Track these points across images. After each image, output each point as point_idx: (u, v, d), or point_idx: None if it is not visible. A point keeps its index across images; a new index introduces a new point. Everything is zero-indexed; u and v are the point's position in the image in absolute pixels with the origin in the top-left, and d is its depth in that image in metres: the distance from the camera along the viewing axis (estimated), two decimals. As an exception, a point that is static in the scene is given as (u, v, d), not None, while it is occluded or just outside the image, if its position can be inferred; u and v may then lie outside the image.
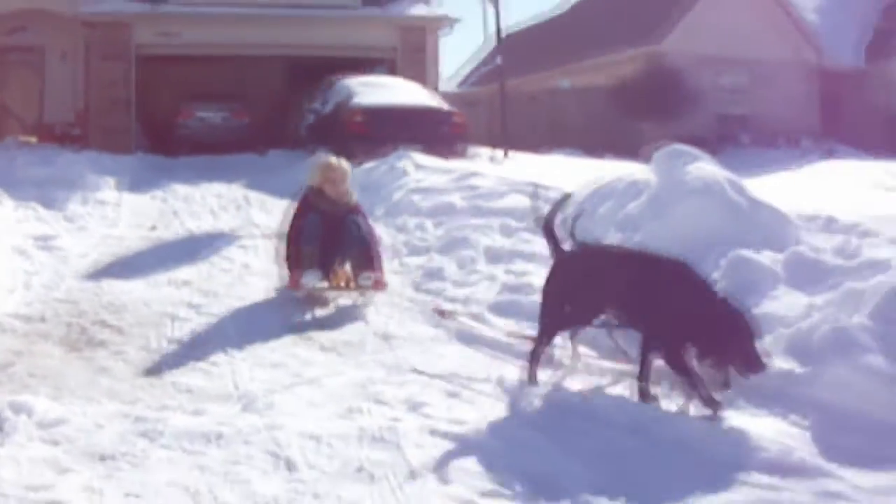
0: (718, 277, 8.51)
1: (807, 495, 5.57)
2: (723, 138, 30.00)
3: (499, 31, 25.27)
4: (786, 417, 6.60)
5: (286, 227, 10.32)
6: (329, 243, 9.95)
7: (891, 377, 6.75)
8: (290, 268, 10.00)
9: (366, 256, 10.01)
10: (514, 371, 7.64)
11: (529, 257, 10.46)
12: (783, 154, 28.11)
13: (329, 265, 9.96)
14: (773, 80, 33.64)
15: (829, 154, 28.65)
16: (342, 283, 9.99)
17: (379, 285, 9.96)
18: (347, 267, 10.05)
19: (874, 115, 34.92)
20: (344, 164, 10.62)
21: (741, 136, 31.58)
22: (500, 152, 21.55)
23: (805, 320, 7.49)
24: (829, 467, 5.98)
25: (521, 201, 12.81)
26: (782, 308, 7.91)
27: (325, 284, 9.91)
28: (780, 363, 7.08)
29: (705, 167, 10.06)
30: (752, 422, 6.52)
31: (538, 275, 9.60)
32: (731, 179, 9.88)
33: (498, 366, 7.91)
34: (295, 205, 10.42)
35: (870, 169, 23.34)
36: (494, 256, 10.87)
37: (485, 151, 21.41)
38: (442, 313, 9.33)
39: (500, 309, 9.19)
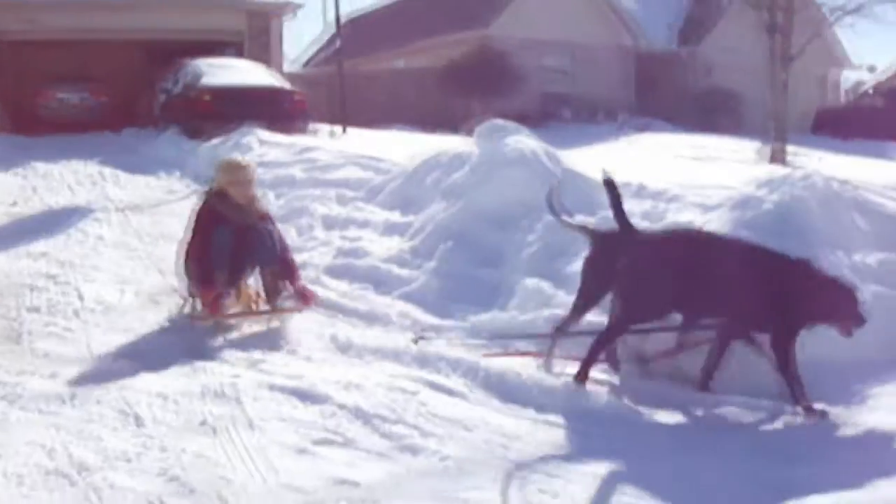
0: (534, 240, 8.68)
1: (612, 434, 5.78)
2: (546, 115, 30.35)
3: (338, 16, 25.34)
4: (596, 365, 6.67)
5: (186, 239, 8.16)
6: (237, 258, 7.97)
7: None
8: (201, 292, 7.88)
9: (286, 270, 8.09)
10: (345, 329, 7.75)
11: (362, 224, 10.53)
12: (602, 129, 28.58)
13: (236, 284, 8.13)
14: (593, 61, 34.25)
15: (644, 128, 29.19)
16: (252, 306, 8.16)
17: (307, 298, 8.03)
18: (253, 284, 8.25)
19: (685, 94, 35.90)
20: (251, 162, 8.89)
21: (563, 112, 31.99)
22: (339, 128, 21.56)
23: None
24: (631, 409, 6.26)
25: (357, 172, 12.89)
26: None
27: (237, 310, 8.10)
28: (588, 316, 7.25)
29: (522, 140, 10.21)
30: (568, 370, 6.65)
31: (369, 240, 9.74)
32: (546, 150, 10.06)
33: (331, 324, 7.97)
34: (194, 213, 8.20)
35: (679, 141, 23.89)
36: (330, 224, 10.85)
37: (325, 128, 21.38)
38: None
39: (334, 272, 9.22)
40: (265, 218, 8.24)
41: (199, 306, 7.96)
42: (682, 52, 37.52)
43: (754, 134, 21.62)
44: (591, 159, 14.13)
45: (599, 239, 7.06)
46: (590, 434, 5.80)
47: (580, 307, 6.97)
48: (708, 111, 32.95)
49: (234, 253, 7.89)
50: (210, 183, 8.47)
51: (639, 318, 6.59)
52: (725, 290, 6.39)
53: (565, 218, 7.34)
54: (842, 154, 22.59)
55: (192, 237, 8.04)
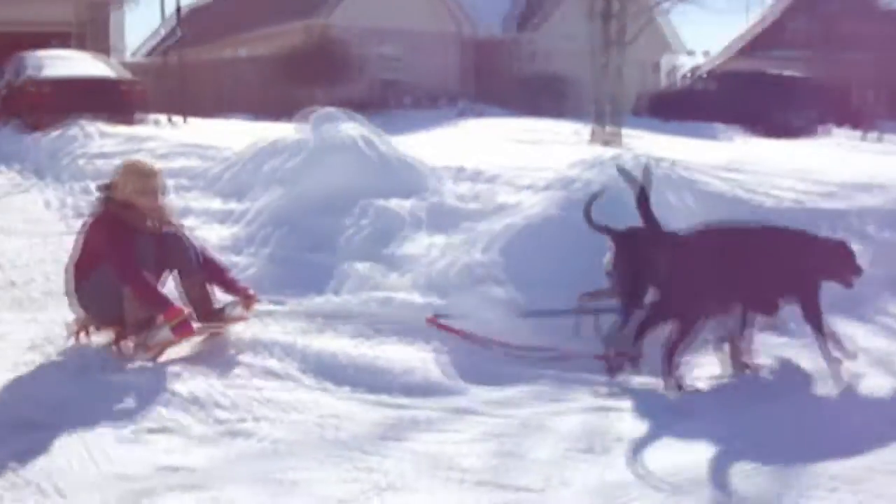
0: (365, 225, 8.69)
1: (439, 411, 5.81)
2: (384, 101, 30.39)
3: (178, 5, 25.10)
4: (427, 345, 6.75)
5: (84, 259, 6.82)
6: (159, 271, 6.89)
7: (512, 305, 7.07)
8: (166, 313, 6.54)
9: (218, 274, 7.17)
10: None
11: (199, 213, 10.35)
12: (437, 114, 28.62)
13: None
14: (429, 48, 34.37)
15: (478, 113, 29.38)
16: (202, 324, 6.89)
17: (252, 300, 7.15)
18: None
19: (519, 79, 36.36)
20: (158, 167, 7.41)
21: (400, 98, 32.05)
22: (178, 118, 21.25)
23: (427, 258, 7.73)
24: (460, 386, 6.25)
25: (194, 162, 12.70)
26: (410, 248, 8.16)
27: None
28: (419, 298, 7.29)
29: (353, 127, 10.21)
30: (400, 351, 6.67)
31: (206, 229, 9.57)
32: (367, 137, 10.09)
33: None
34: (96, 227, 6.82)
35: (511, 125, 24.08)
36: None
37: (165, 117, 21.05)
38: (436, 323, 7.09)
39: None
40: (172, 222, 7.12)
41: (121, 338, 6.76)
42: (510, 37, 37.97)
43: (588, 117, 21.90)
44: (427, 144, 14.29)
45: (622, 239, 6.98)
46: (417, 411, 5.82)
47: (628, 304, 6.87)
48: (535, 95, 33.37)
49: (156, 265, 6.81)
50: (106, 191, 6.97)
51: (704, 314, 6.51)
52: (768, 274, 6.63)
53: (597, 223, 7.08)
54: (672, 135, 23.11)
55: (106, 257, 6.67)
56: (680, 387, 6.25)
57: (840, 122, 34.92)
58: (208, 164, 12.31)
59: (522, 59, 37.92)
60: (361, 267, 7.98)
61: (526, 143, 18.56)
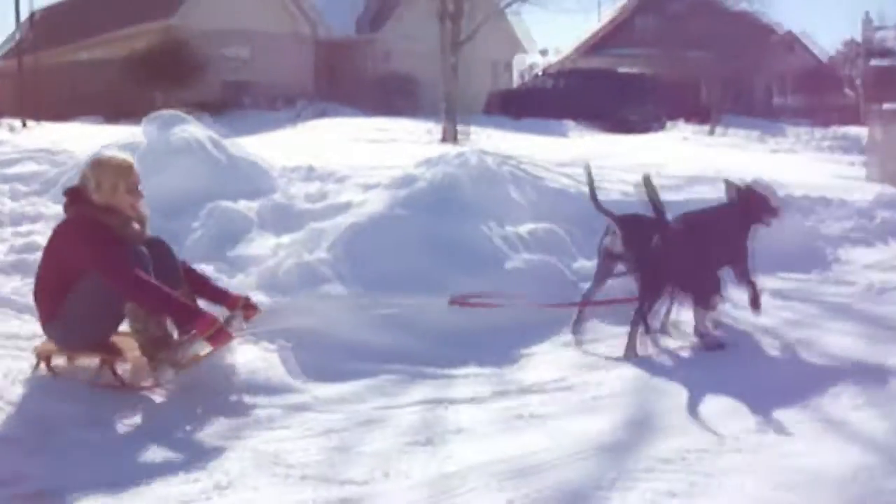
0: (211, 226, 8.62)
1: (277, 409, 5.79)
2: (228, 103, 30.09)
3: (17, 7, 24.56)
4: (271, 344, 6.70)
5: (56, 278, 5.86)
6: None
7: (346, 302, 7.09)
8: (198, 325, 5.81)
9: (203, 285, 6.50)
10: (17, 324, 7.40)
11: (35, 218, 10.06)
12: (282, 115, 28.54)
13: None
14: (274, 49, 34.16)
15: (324, 113, 29.30)
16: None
17: (253, 309, 6.55)
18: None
19: (366, 79, 36.51)
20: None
21: (244, 100, 31.79)
22: (19, 122, 20.77)
23: (274, 258, 7.71)
24: (296, 383, 6.25)
25: (32, 167, 12.31)
26: (257, 249, 8.13)
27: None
28: (264, 298, 7.25)
29: (189, 129, 10.13)
30: (245, 351, 6.56)
31: (43, 234, 9.34)
32: (214, 139, 10.02)
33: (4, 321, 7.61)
34: (80, 236, 5.82)
35: (358, 125, 24.08)
36: (1, 220, 10.34)
37: (6, 122, 20.54)
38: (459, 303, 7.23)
39: (6, 269, 8.82)
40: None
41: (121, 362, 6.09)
42: (362, 38, 38.04)
43: (433, 116, 22.07)
44: (270, 145, 14.22)
45: (625, 224, 7.39)
46: (259, 409, 5.80)
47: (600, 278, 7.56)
48: (388, 95, 33.56)
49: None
50: (76, 193, 6.01)
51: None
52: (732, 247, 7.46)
53: (605, 208, 7.49)
54: (523, 133, 23.42)
55: (99, 269, 5.72)
56: (637, 354, 6.86)
57: (688, 118, 35.92)
58: (45, 168, 12.00)
59: (376, 59, 38.09)
60: (206, 269, 7.90)
61: (379, 142, 18.61)
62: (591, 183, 7.53)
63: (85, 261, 5.73)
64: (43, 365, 6.02)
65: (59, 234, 5.98)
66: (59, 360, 6.11)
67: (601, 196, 7.52)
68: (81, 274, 5.73)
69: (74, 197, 5.95)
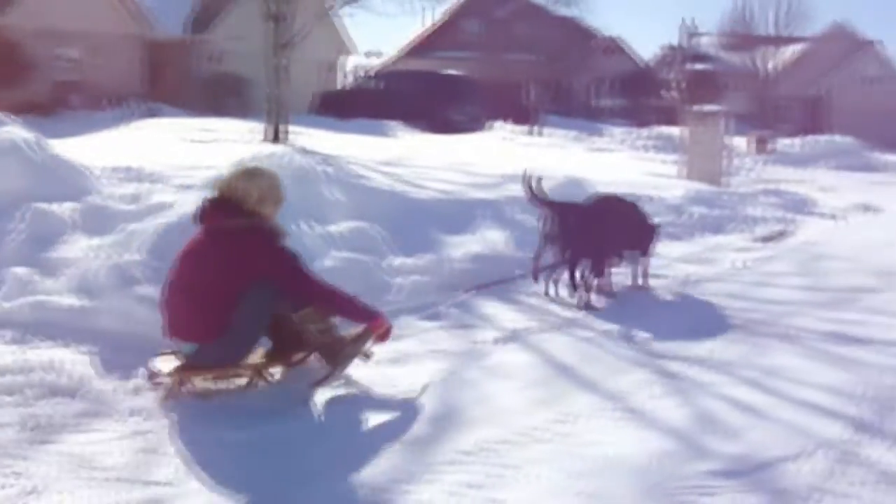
0: (24, 229, 8.39)
1: (89, 412, 5.68)
2: (57, 103, 29.27)
3: None
4: (81, 346, 6.56)
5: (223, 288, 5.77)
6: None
7: (157, 304, 7.00)
8: (372, 323, 6.09)
9: (331, 298, 6.11)
10: None
11: None
12: (110, 115, 27.77)
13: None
14: (103, 50, 33.33)
15: (152, 114, 28.74)
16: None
17: (385, 332, 6.24)
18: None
19: (195, 79, 36.22)
20: None
21: (73, 100, 30.96)
22: None
23: (90, 261, 7.58)
24: (104, 385, 6.08)
25: None
26: (73, 251, 7.95)
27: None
28: (69, 301, 7.11)
29: (10, 131, 9.85)
30: (54, 353, 6.41)
31: None
32: (31, 140, 9.75)
33: None
34: (274, 251, 5.90)
35: (190, 125, 23.70)
36: None
37: None
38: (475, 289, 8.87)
39: None
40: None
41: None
42: (193, 38, 37.51)
43: (261, 116, 21.90)
44: (94, 146, 13.92)
45: (559, 209, 9.07)
46: (66, 412, 5.68)
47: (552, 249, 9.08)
48: (218, 95, 33.12)
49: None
50: (230, 203, 5.94)
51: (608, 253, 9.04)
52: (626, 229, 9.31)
53: (541, 197, 9.20)
54: (345, 133, 23.42)
55: (275, 277, 5.81)
56: (588, 305, 8.52)
57: (509, 118, 36.46)
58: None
59: (206, 59, 37.61)
60: (20, 272, 7.70)
61: (201, 142, 18.35)
62: (528, 183, 9.09)
63: (272, 269, 5.81)
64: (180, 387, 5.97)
65: (232, 244, 5.83)
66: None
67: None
68: (252, 286, 5.73)
69: (233, 208, 5.89)
